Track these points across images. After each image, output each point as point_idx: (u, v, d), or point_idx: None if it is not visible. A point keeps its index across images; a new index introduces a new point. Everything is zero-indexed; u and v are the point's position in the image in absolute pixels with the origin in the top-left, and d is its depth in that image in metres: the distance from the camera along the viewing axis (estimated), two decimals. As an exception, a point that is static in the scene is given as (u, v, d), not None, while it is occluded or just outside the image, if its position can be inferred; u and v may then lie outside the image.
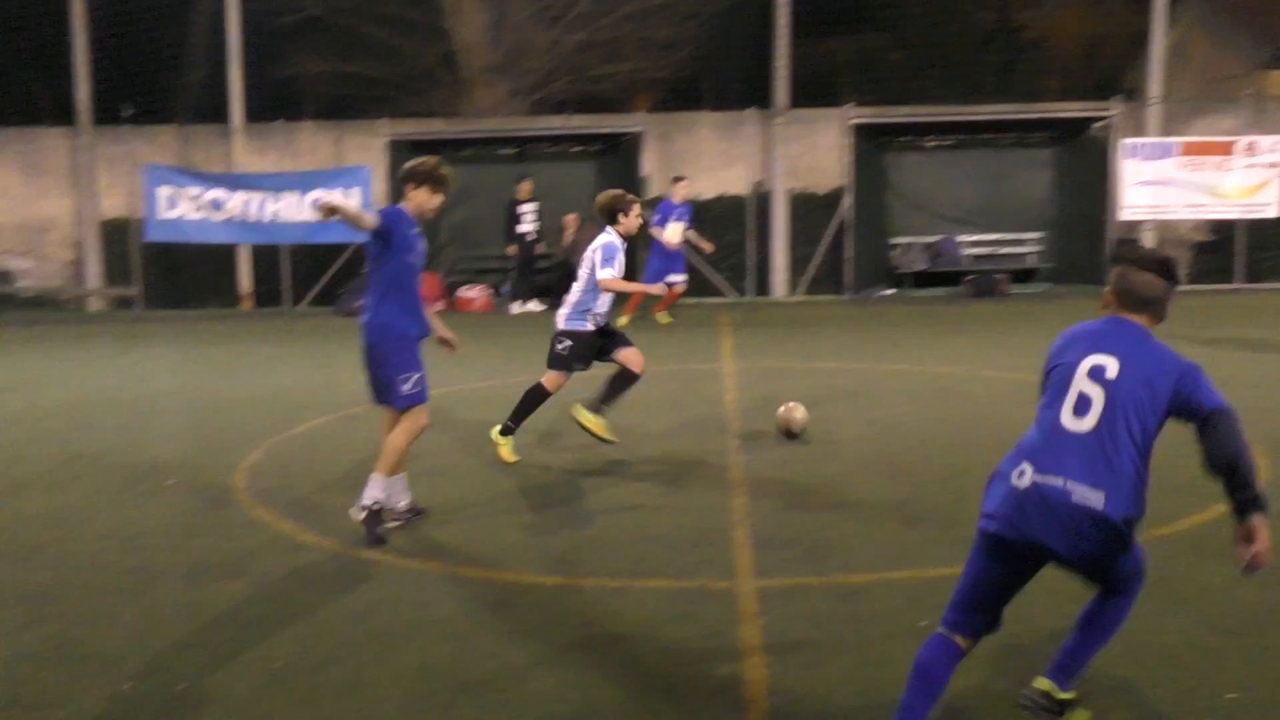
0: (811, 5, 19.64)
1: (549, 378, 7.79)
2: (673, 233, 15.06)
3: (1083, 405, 3.54)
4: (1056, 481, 3.48)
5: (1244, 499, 3.33)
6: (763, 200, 19.15)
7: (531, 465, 7.72)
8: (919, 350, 12.53)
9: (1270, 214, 17.93)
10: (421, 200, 6.31)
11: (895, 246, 19.28)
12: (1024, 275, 19.07)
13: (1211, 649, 4.49)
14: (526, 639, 4.78)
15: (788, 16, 19.03)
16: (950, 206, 19.40)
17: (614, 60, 21.52)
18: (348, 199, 17.88)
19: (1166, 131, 19.01)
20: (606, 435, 7.81)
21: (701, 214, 17.39)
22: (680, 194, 15.33)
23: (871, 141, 18.95)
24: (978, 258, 19.24)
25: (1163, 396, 3.49)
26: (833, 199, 18.80)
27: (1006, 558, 3.59)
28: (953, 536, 5.94)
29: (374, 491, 6.10)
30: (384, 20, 21.25)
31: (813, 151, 18.96)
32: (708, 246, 16.14)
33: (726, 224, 18.76)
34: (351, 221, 5.92)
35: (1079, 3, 38.09)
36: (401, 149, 17.77)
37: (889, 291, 18.88)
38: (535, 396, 7.78)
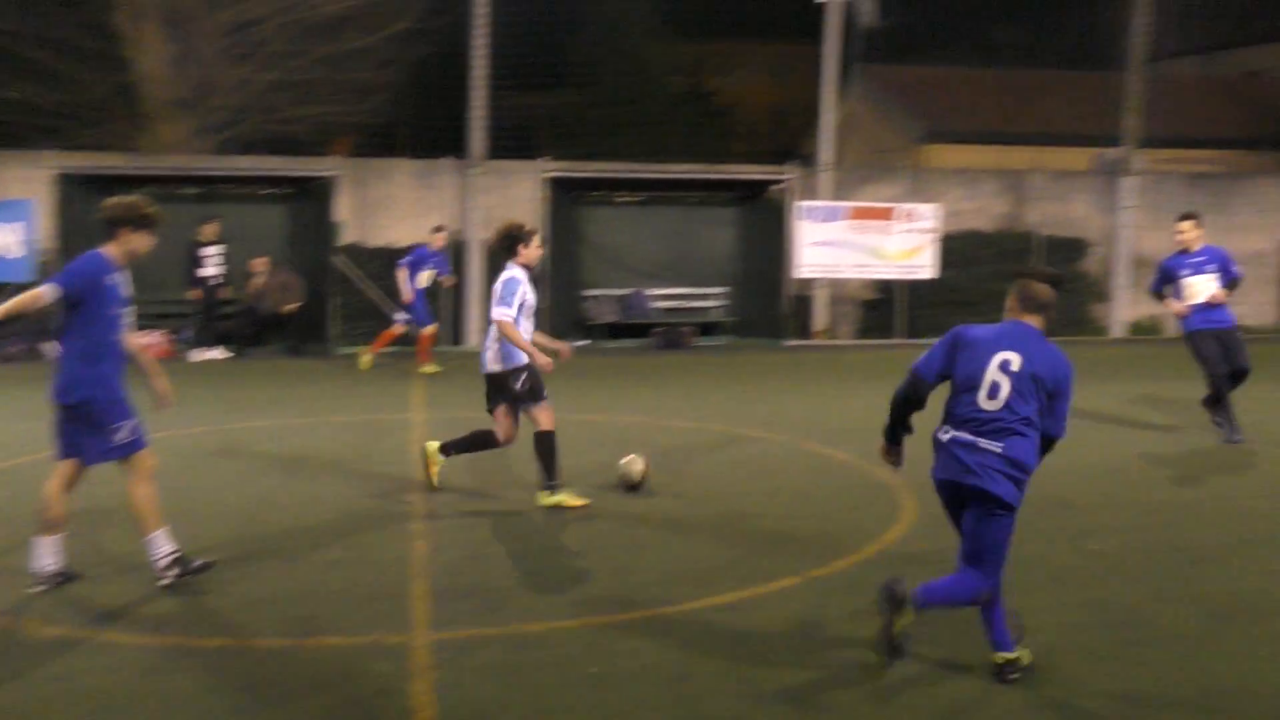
0: (509, 60, 19.91)
1: (543, 418, 7.55)
2: (424, 279, 15.14)
3: (994, 391, 4.75)
4: (971, 439, 4.74)
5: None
6: (458, 249, 19.15)
7: (198, 521, 7.32)
8: (608, 400, 12.83)
9: (926, 275, 19.58)
10: (134, 244, 5.94)
11: (588, 298, 19.71)
12: (708, 328, 19.93)
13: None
14: (183, 708, 4.51)
15: (484, 69, 19.22)
16: (641, 261, 20.05)
17: (308, 102, 20.99)
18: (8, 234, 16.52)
19: (837, 196, 20.45)
20: (577, 501, 7.66)
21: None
22: (439, 242, 15.54)
23: (566, 195, 19.35)
24: (666, 310, 19.96)
25: (1046, 385, 4.74)
26: (529, 250, 19.00)
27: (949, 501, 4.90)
28: (627, 582, 6.11)
29: (161, 547, 5.92)
30: (51, 44, 19.84)
31: (508, 203, 19.14)
32: (448, 282, 16.33)
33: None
34: (17, 313, 5.53)
35: (764, 74, 40.60)
36: (73, 183, 16.59)
37: (582, 342, 19.26)
38: (546, 444, 7.55)
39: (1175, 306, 10.37)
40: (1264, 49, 34.31)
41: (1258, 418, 10.80)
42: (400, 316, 15.41)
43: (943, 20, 28.69)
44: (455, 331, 19.13)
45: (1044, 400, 4.73)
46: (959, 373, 4.86)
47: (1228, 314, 10.22)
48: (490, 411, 7.80)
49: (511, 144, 20.45)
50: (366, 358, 15.41)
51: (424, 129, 23.72)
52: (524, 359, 7.48)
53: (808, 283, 19.99)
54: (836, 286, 20.62)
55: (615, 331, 19.44)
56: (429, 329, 15.29)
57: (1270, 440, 10.27)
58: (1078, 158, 25.66)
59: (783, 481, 8.57)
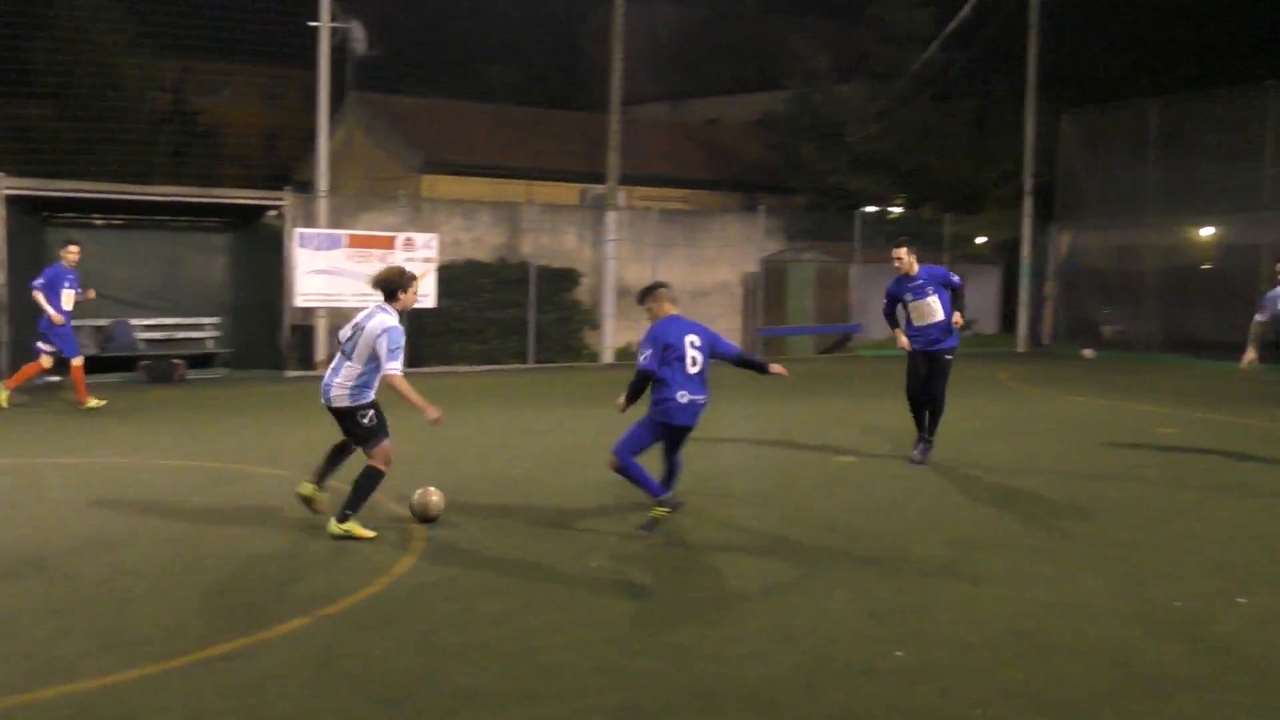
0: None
1: (379, 453, 7.57)
2: (66, 300, 13.79)
3: (694, 362, 7.90)
4: (697, 398, 7.89)
5: (757, 364, 8.43)
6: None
7: None
8: (85, 441, 11.66)
9: (428, 304, 19.75)
10: None
11: (62, 330, 17.84)
12: (202, 360, 18.78)
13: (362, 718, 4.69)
14: None
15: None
16: (123, 289, 18.50)
17: None
18: None
19: (336, 224, 20.11)
20: (365, 533, 7.57)
21: None
22: (73, 258, 14.02)
23: (33, 216, 17.43)
24: (153, 342, 18.57)
25: (706, 343, 7.98)
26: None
27: (671, 436, 8.02)
28: (113, 642, 5.54)
29: None
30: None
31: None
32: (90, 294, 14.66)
33: None
34: None
35: (255, 95, 39.13)
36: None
37: (57, 379, 17.40)
38: (370, 480, 7.53)
39: (901, 342, 10.80)
40: (722, 99, 38.36)
41: (777, 428, 11.89)
42: (45, 347, 13.69)
43: (437, 54, 29.23)
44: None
45: (709, 352, 7.98)
46: (670, 355, 7.82)
47: (943, 338, 10.59)
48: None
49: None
50: (3, 394, 13.73)
51: None
52: (368, 395, 7.57)
53: (308, 312, 19.46)
54: (338, 316, 20.25)
55: (95, 365, 17.74)
56: (78, 360, 13.96)
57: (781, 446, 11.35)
58: (567, 192, 27.18)
59: (286, 518, 8.21)
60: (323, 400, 7.68)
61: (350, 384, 7.55)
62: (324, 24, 20.15)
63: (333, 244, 18.88)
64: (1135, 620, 6.14)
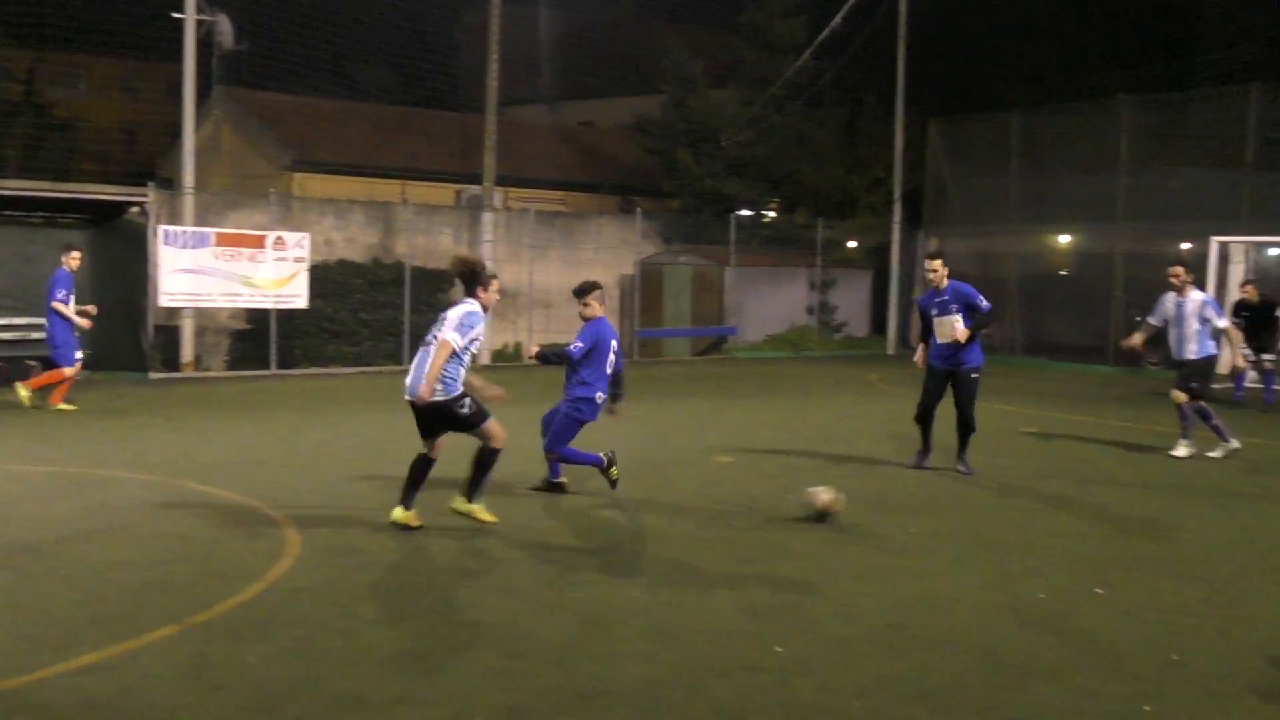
0: None
1: (490, 433, 7.70)
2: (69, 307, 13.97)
3: (615, 362, 8.94)
4: (604, 396, 8.95)
5: (620, 390, 9.17)
6: None
7: None
8: (-66, 447, 11.09)
9: (300, 305, 19.33)
10: None
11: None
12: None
13: (248, 729, 4.56)
14: None
15: None
16: (-28, 287, 17.67)
17: None
18: None
19: (202, 221, 19.53)
20: (488, 516, 7.95)
21: None
22: (75, 263, 14.35)
23: None
24: (5, 343, 17.75)
25: (619, 353, 9.09)
26: None
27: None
28: (-31, 656, 5.28)
29: None
30: None
31: None
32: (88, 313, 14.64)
33: None
34: None
35: (115, 89, 37.77)
36: None
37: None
38: (488, 459, 7.75)
39: (918, 358, 10.78)
40: (598, 102, 38.45)
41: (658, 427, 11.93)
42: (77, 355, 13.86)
43: (308, 51, 28.62)
44: None
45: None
46: (598, 353, 8.79)
47: (963, 355, 10.34)
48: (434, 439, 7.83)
49: None
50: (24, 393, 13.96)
51: None
52: (457, 387, 7.60)
53: (174, 312, 18.86)
54: (205, 316, 19.69)
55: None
56: (74, 367, 14.22)
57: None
58: (443, 192, 26.92)
59: (154, 524, 7.94)
60: (407, 396, 7.64)
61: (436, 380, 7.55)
62: (189, 15, 19.57)
63: (199, 242, 18.34)
64: (1003, 612, 6.35)
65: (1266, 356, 16.45)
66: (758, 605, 6.34)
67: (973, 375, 10.50)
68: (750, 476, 10.34)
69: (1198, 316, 11.67)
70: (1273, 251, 21.45)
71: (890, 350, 27.51)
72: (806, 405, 16.35)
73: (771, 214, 30.22)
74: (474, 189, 24.13)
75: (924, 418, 10.75)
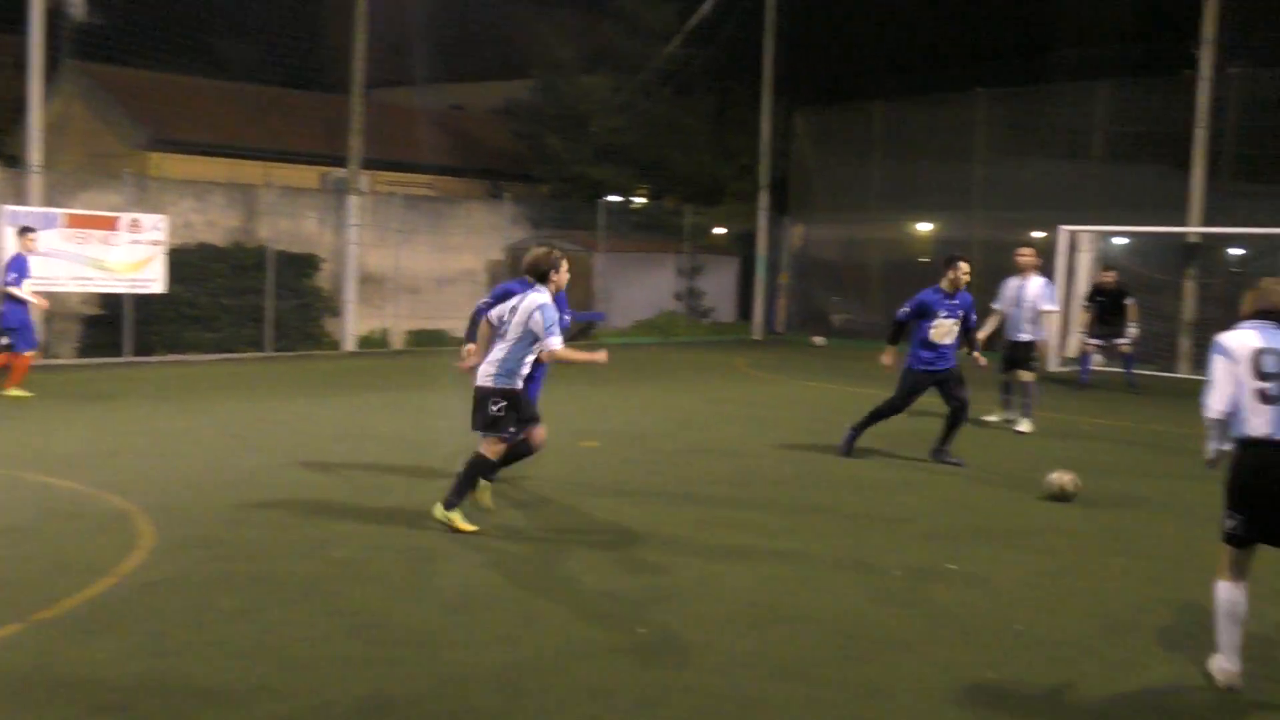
0: None
1: (489, 446, 7.52)
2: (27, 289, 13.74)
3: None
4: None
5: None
6: None
7: None
8: None
9: (157, 289, 18.70)
10: None
11: None
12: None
13: None
14: None
15: None
16: None
17: None
18: None
19: (50, 202, 18.71)
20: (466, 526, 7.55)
21: None
22: (34, 246, 14.22)
23: None
24: None
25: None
26: None
27: None
28: None
29: None
30: None
31: None
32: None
33: None
34: None
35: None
36: None
37: None
38: (478, 468, 7.56)
39: (885, 359, 10.67)
40: (466, 86, 38.03)
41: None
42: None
43: (165, 26, 27.58)
44: None
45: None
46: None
47: (950, 355, 10.46)
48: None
49: None
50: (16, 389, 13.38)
51: None
52: (513, 384, 7.53)
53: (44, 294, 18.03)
54: (54, 301, 18.88)
55: None
56: (32, 352, 13.92)
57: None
58: (307, 175, 26.32)
59: (-3, 518, 7.62)
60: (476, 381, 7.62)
61: (497, 365, 7.51)
62: (36, -14, 18.68)
63: (48, 223, 17.56)
64: (859, 589, 6.55)
65: (1120, 340, 17.14)
66: (619, 588, 6.41)
67: (956, 369, 10.65)
68: (615, 462, 10.41)
69: (1036, 300, 12.45)
70: (1116, 241, 22.42)
71: (756, 335, 27.93)
72: (674, 390, 16.52)
73: (641, 200, 30.34)
74: (340, 172, 23.64)
75: (889, 415, 10.77)
